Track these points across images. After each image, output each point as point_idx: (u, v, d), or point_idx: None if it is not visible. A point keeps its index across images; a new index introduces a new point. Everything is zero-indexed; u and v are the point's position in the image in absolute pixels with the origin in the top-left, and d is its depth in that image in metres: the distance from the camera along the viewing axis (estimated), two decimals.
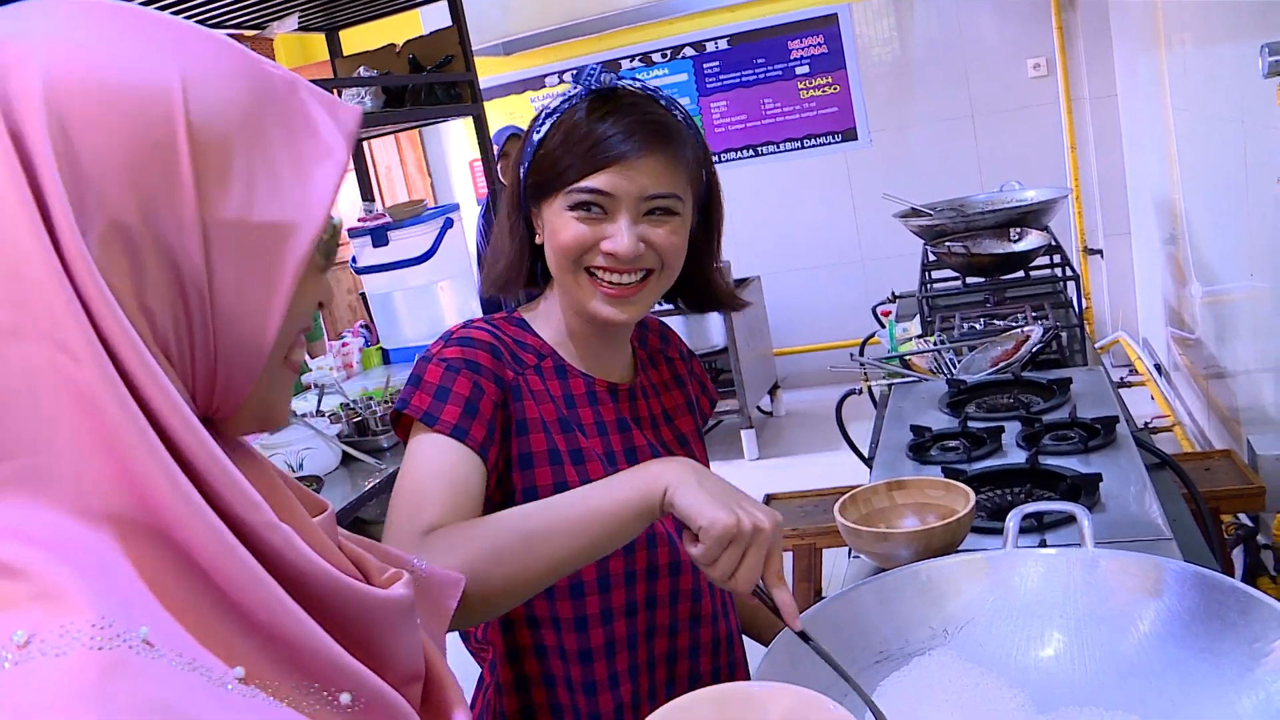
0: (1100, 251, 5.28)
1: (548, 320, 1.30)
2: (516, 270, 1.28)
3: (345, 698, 0.60)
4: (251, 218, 0.59)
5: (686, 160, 1.21)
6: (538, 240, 1.25)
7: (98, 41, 0.57)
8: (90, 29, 0.57)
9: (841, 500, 1.49)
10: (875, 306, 3.94)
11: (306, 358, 0.69)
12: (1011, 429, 1.92)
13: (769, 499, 2.87)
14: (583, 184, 1.17)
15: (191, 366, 0.60)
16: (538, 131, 1.22)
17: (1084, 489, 1.58)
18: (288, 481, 0.71)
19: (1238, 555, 2.63)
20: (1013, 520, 1.22)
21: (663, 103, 1.22)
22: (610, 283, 1.20)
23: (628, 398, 1.33)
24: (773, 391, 5.59)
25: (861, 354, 3.12)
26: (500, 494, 1.21)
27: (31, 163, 0.53)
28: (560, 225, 1.19)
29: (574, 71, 1.23)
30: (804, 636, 0.98)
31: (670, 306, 1.40)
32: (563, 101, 1.22)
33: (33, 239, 0.52)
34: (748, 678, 1.43)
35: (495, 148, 4.55)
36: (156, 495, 0.54)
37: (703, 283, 1.36)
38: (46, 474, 0.53)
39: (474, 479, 1.14)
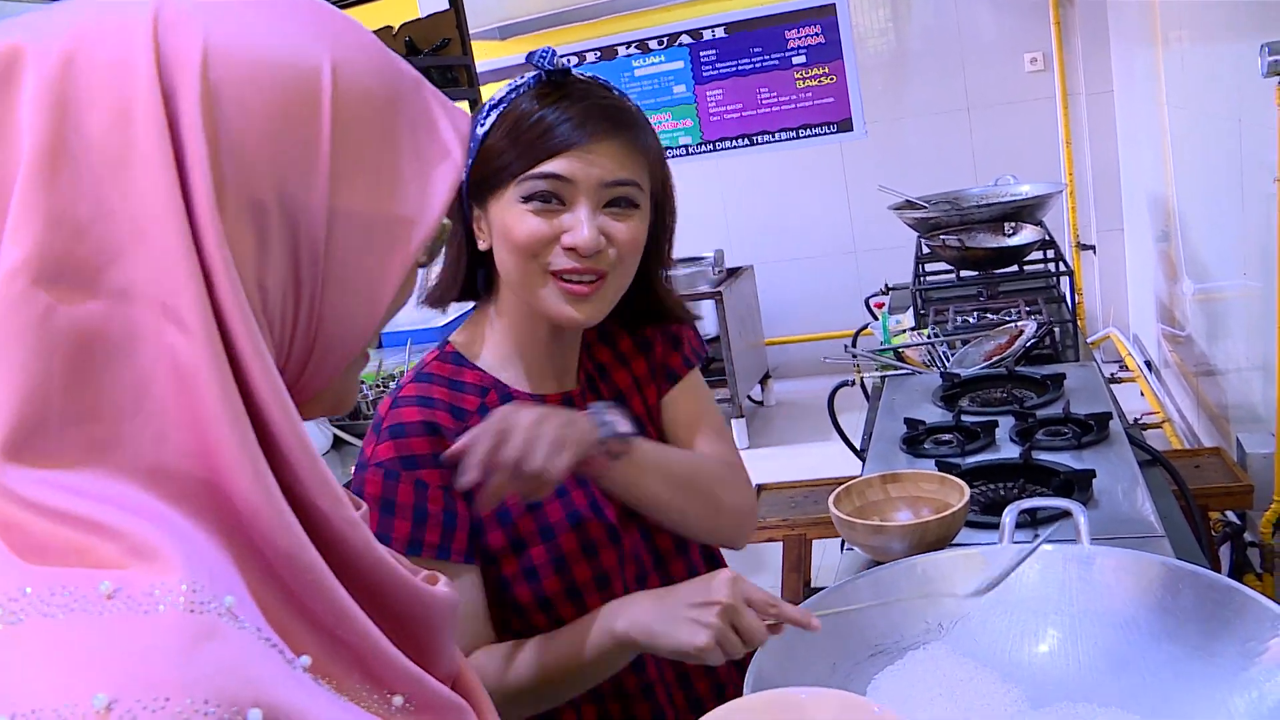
0: (1093, 247, 5.29)
1: (488, 341, 1.21)
2: (452, 281, 1.20)
3: (398, 700, 0.59)
4: (375, 209, 0.59)
5: (647, 148, 1.14)
6: (481, 246, 1.15)
7: (259, 15, 0.57)
8: (254, 2, 0.57)
9: (836, 492, 1.49)
10: (868, 298, 3.94)
11: None
12: (1005, 423, 1.93)
13: (760, 489, 2.87)
14: (537, 170, 1.08)
15: (290, 348, 0.59)
16: (481, 125, 1.13)
17: (1077, 485, 1.59)
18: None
19: (1224, 552, 2.64)
20: (1009, 516, 1.22)
21: (616, 91, 1.16)
22: (572, 282, 1.11)
23: (579, 401, 1.23)
24: (763, 381, 5.60)
25: (854, 345, 3.12)
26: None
27: (179, 124, 0.52)
28: (513, 220, 1.10)
29: (526, 55, 1.15)
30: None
31: None
32: (509, 91, 1.14)
33: (167, 202, 0.52)
34: None
35: None
36: (236, 482, 0.52)
37: (649, 294, 1.26)
38: (127, 441, 0.52)
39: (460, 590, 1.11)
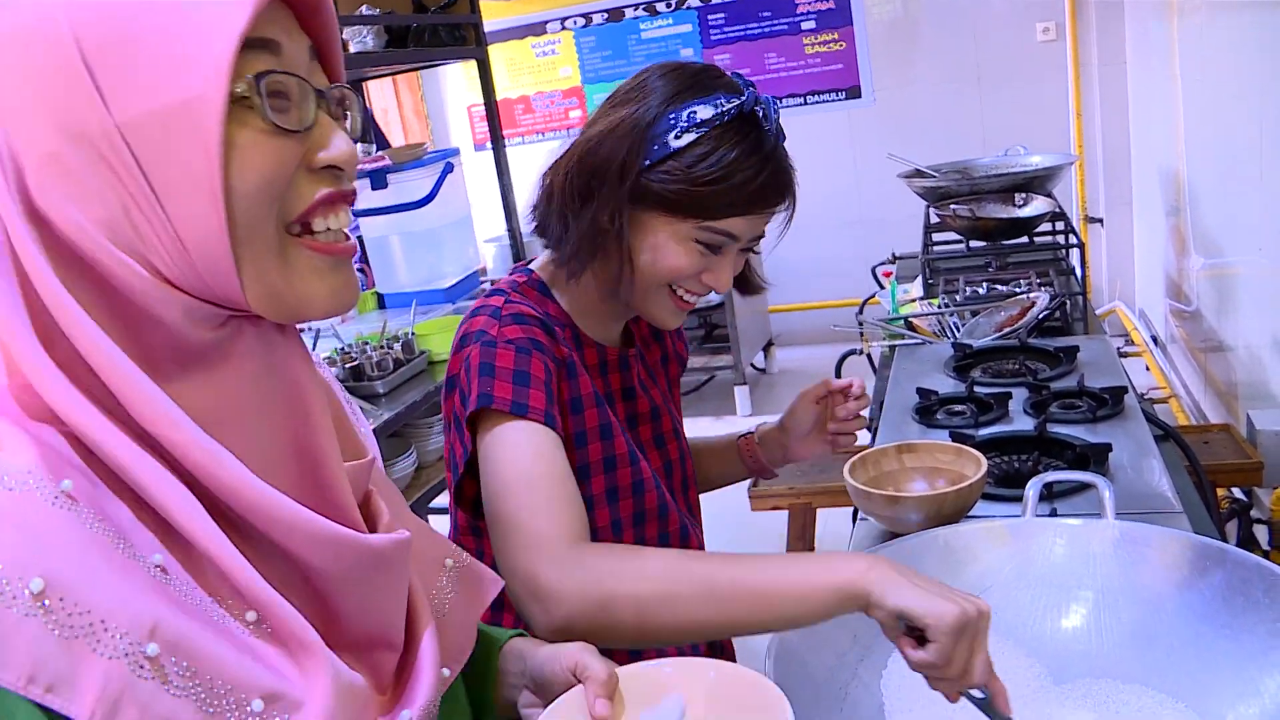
0: (1101, 220, 5.25)
1: (570, 290, 1.26)
2: (585, 253, 1.19)
3: (251, 615, 0.64)
4: (157, 105, 0.60)
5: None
6: (603, 224, 1.17)
7: None
8: None
9: (851, 462, 1.48)
10: (875, 267, 3.91)
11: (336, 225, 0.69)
12: (1019, 395, 1.91)
13: None
14: (722, 226, 1.16)
15: (168, 257, 0.62)
16: (675, 135, 1.14)
17: (1094, 458, 1.57)
18: (339, 419, 0.74)
19: (1230, 529, 2.64)
20: (1032, 489, 1.20)
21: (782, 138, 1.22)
22: (687, 301, 1.23)
23: (635, 361, 1.33)
24: (766, 349, 5.58)
25: (861, 314, 3.10)
26: None
27: None
28: (677, 249, 1.17)
29: (746, 94, 1.17)
30: None
31: None
32: (716, 115, 1.14)
33: None
34: None
35: None
36: (64, 413, 0.60)
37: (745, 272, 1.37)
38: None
39: (568, 469, 1.11)
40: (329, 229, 0.68)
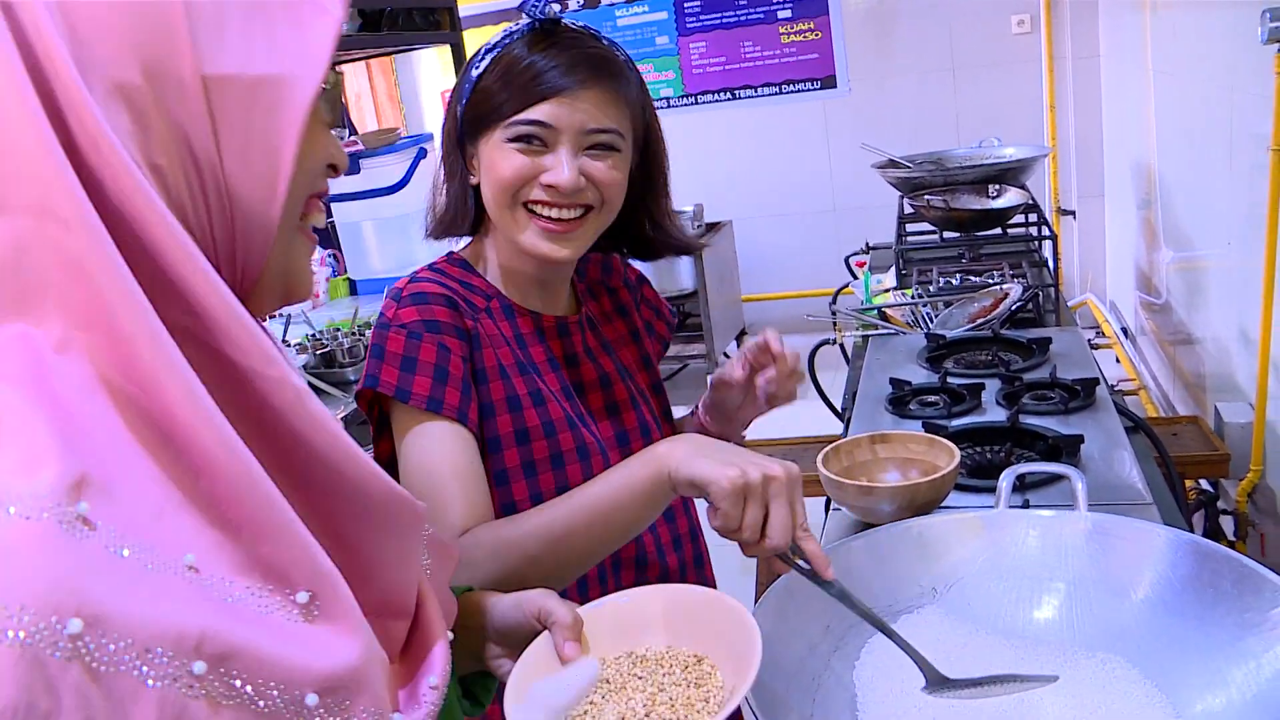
0: (1073, 212, 5.28)
1: (489, 260, 1.28)
2: (460, 212, 1.26)
3: (303, 595, 0.60)
4: (250, 71, 0.61)
5: (629, 97, 1.20)
6: (473, 180, 1.24)
7: None
8: None
9: (824, 452, 1.48)
10: (848, 257, 3.92)
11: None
12: (991, 386, 1.91)
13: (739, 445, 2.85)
14: (524, 115, 1.15)
15: (211, 233, 0.62)
16: (476, 67, 1.20)
17: (1065, 449, 1.58)
18: None
19: (1197, 520, 2.66)
20: (1005, 480, 1.21)
21: (604, 40, 1.22)
22: (549, 217, 1.18)
23: (578, 329, 1.33)
24: (740, 337, 5.58)
25: (834, 304, 3.10)
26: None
27: (26, 33, 0.55)
28: (499, 158, 1.17)
29: (519, 3, 1.22)
30: (839, 592, 0.96)
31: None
32: (504, 36, 1.21)
33: (21, 110, 0.54)
34: (708, 568, 1.45)
35: None
36: (138, 358, 0.55)
37: (654, 227, 1.34)
38: (40, 337, 0.56)
39: (472, 455, 1.16)
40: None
